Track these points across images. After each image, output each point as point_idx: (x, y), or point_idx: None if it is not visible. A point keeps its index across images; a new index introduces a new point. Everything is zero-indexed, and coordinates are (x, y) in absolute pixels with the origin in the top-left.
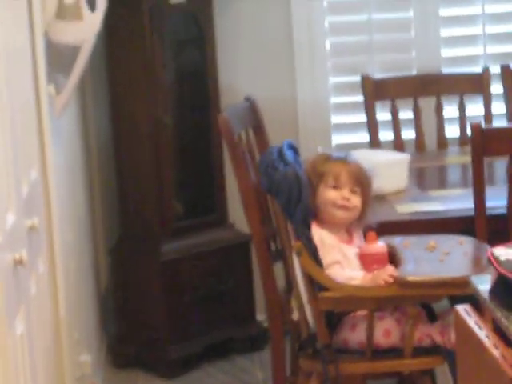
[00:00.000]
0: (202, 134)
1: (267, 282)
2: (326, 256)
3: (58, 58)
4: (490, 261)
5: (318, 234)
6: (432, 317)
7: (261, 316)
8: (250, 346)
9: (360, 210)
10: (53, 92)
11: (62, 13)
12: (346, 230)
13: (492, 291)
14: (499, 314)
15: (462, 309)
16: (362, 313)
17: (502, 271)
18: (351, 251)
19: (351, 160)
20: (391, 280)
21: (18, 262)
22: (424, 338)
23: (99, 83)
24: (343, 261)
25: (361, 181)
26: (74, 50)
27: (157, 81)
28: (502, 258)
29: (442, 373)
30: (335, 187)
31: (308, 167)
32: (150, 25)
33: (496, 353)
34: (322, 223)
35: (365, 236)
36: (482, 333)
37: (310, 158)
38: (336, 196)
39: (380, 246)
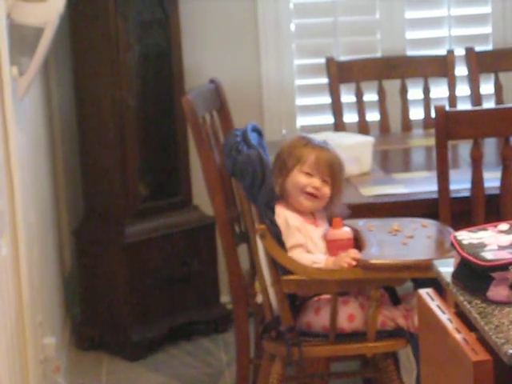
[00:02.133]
0: (167, 116)
1: (231, 264)
2: (289, 238)
3: (22, 39)
4: (452, 245)
5: (283, 214)
6: (395, 300)
7: (225, 298)
8: (214, 328)
9: (327, 200)
10: (16, 73)
11: None
12: (311, 213)
13: (455, 275)
14: (461, 298)
15: (425, 293)
16: (326, 296)
17: (465, 255)
18: (316, 232)
19: (329, 149)
20: (354, 263)
21: None
22: (387, 322)
23: (63, 65)
24: (308, 242)
25: (335, 172)
26: (38, 32)
27: (121, 62)
28: (465, 242)
29: (405, 355)
30: (308, 174)
31: (285, 148)
32: (115, 6)
33: (458, 337)
34: (288, 205)
35: (330, 221)
36: (445, 316)
37: (290, 139)
38: (307, 183)
39: (345, 231)
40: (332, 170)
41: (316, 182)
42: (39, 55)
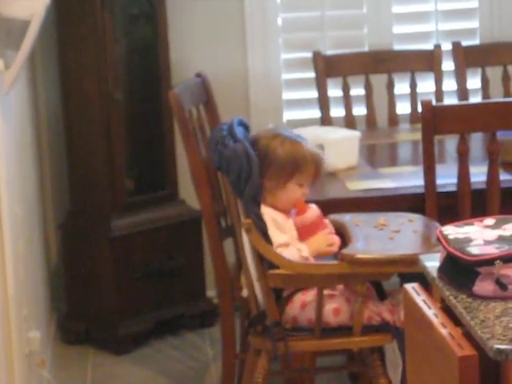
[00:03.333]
0: (153, 109)
1: (217, 258)
2: (279, 236)
3: (7, 32)
4: (438, 239)
5: (270, 214)
6: (382, 295)
7: (211, 292)
8: (200, 322)
9: None
10: (2, 67)
11: None
12: None
13: (440, 270)
14: (447, 293)
15: (411, 287)
16: (312, 291)
17: (451, 250)
18: (291, 223)
19: (319, 152)
20: (335, 248)
21: None
22: (373, 316)
23: (49, 58)
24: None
25: (321, 174)
26: (24, 25)
27: (107, 56)
28: (451, 237)
29: (391, 350)
30: (301, 184)
31: (282, 154)
32: None
33: (444, 331)
34: (270, 204)
35: None
36: (431, 311)
37: (267, 137)
38: (300, 195)
39: (313, 211)
40: (321, 173)
41: (306, 190)
42: (25, 48)
